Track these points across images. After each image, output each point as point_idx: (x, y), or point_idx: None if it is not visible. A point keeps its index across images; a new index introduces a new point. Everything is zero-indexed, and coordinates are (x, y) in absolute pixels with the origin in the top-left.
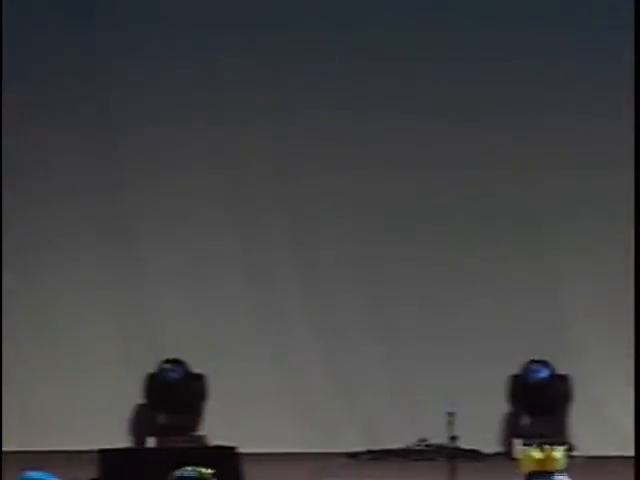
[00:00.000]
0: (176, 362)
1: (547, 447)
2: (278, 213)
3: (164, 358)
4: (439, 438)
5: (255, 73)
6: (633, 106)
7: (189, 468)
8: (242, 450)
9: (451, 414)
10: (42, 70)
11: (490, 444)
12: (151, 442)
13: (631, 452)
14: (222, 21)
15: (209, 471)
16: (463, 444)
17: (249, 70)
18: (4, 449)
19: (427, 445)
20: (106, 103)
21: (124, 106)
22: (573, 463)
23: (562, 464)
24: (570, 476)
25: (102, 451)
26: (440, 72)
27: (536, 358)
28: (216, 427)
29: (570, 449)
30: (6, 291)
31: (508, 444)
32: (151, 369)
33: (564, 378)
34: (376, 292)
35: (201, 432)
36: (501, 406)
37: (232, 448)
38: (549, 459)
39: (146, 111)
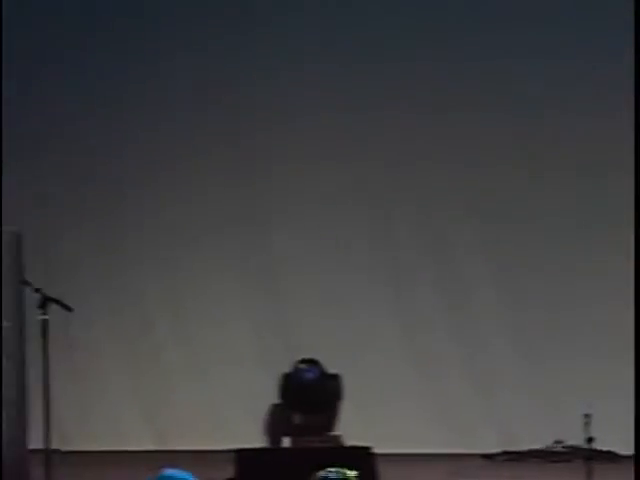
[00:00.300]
0: (312, 362)
1: None
2: (413, 212)
3: (300, 358)
4: (575, 440)
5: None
6: (633, 106)
7: (333, 469)
8: (377, 450)
9: (587, 416)
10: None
11: (627, 446)
12: (286, 442)
13: None
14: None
15: (353, 473)
16: (599, 446)
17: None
18: (142, 448)
19: (563, 447)
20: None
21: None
22: None
23: None
24: None
25: (238, 451)
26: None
27: None
28: (351, 427)
29: None
30: (141, 291)
31: None
32: (287, 369)
33: None
34: (516, 293)
35: (336, 432)
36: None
37: (368, 448)
38: None
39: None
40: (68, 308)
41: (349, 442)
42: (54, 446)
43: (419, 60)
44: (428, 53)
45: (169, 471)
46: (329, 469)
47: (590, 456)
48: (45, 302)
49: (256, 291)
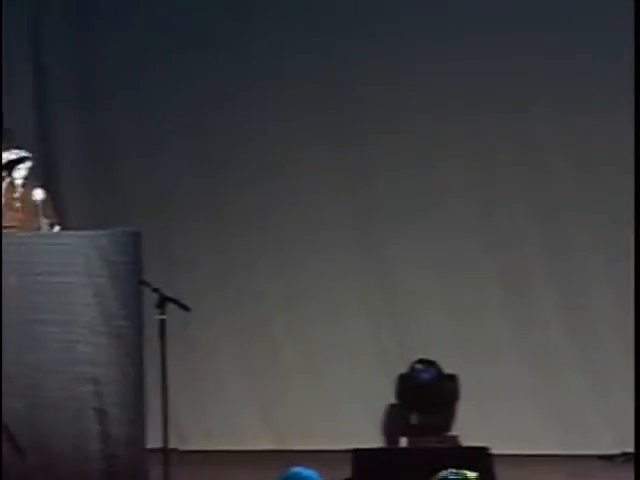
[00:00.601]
0: (428, 362)
1: None
2: (531, 213)
3: (417, 358)
4: None
5: None
6: (633, 106)
7: (453, 470)
8: (494, 451)
9: None
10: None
11: None
12: (403, 442)
13: None
14: None
15: (474, 475)
16: None
17: None
18: (259, 448)
19: None
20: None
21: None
22: None
23: None
24: None
25: (355, 451)
26: None
27: None
28: (468, 427)
29: None
30: (259, 291)
31: None
32: (404, 369)
33: None
34: (632, 291)
35: (453, 432)
36: None
37: (485, 449)
38: None
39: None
40: (186, 308)
41: (466, 442)
42: (172, 445)
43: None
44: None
45: (295, 469)
46: (451, 470)
47: None
48: (163, 302)
49: (373, 291)
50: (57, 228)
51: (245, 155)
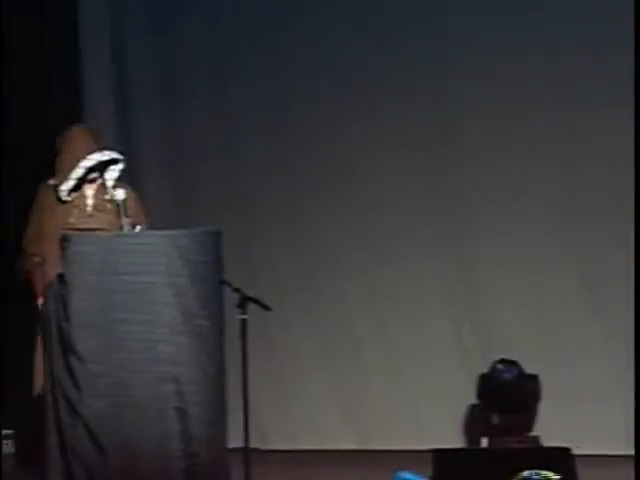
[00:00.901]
0: (510, 363)
1: None
2: (612, 209)
3: (498, 359)
4: None
5: None
6: (633, 106)
7: (536, 471)
8: (576, 452)
9: None
10: None
11: None
12: (484, 442)
13: None
14: None
15: (556, 477)
16: None
17: None
18: (341, 447)
19: None
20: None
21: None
22: None
23: None
24: None
25: (436, 451)
26: None
27: None
28: (549, 428)
29: None
30: (340, 290)
31: None
32: (485, 370)
33: None
34: None
35: (534, 433)
36: None
37: (567, 449)
38: None
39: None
40: (267, 307)
41: (547, 443)
42: (253, 445)
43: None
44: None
45: (402, 474)
46: (533, 471)
47: None
48: (244, 302)
49: (455, 291)
50: (138, 228)
51: (326, 154)
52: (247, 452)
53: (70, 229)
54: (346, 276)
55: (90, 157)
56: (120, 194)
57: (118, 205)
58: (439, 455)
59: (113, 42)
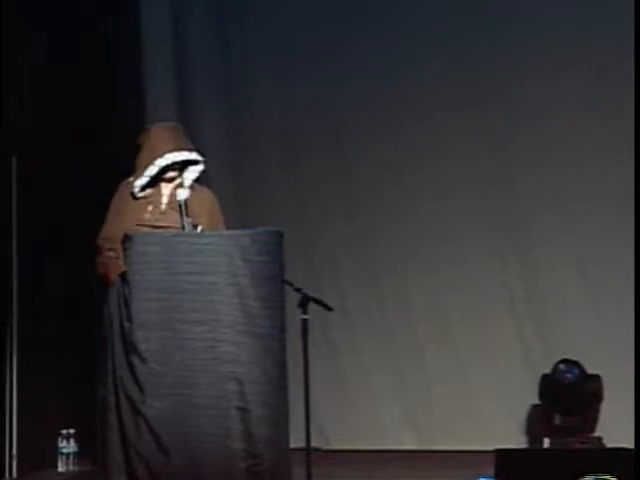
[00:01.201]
0: (572, 363)
1: None
2: None
3: (560, 359)
4: None
5: None
6: (633, 105)
7: (595, 477)
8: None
9: None
10: None
11: None
12: (546, 443)
13: None
14: None
15: None
16: None
17: None
18: (402, 448)
19: None
20: None
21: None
22: None
23: None
24: None
25: (498, 451)
26: None
27: None
28: (612, 428)
29: None
30: (404, 291)
31: None
32: (547, 370)
33: None
34: None
35: (597, 434)
36: None
37: (629, 450)
38: None
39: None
40: (328, 307)
41: (610, 444)
42: (315, 445)
43: None
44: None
45: None
46: (596, 475)
47: None
48: (305, 302)
49: (517, 292)
50: (200, 228)
51: (387, 159)
52: (308, 452)
53: (144, 225)
54: (408, 277)
55: (167, 156)
56: (182, 194)
57: (180, 205)
58: (502, 455)
59: (175, 41)
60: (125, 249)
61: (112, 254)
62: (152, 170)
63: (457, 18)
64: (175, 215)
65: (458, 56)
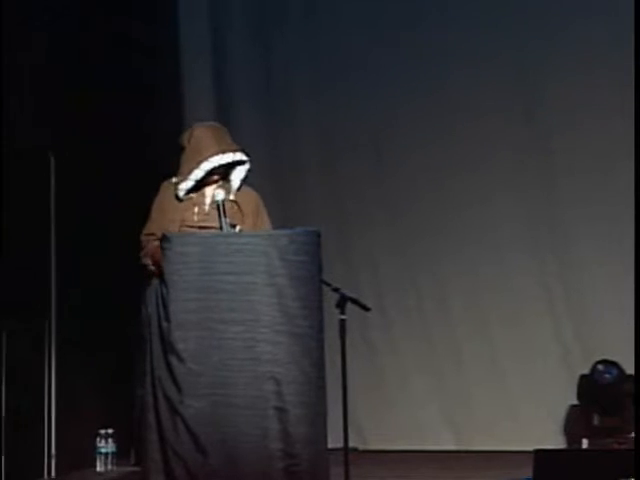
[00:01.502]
0: (610, 363)
1: None
2: None
3: (598, 359)
4: None
5: None
6: (633, 106)
7: None
8: None
9: None
10: None
11: None
12: (585, 443)
13: None
14: None
15: None
16: None
17: None
18: (441, 448)
19: None
20: None
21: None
22: None
23: None
24: None
25: (537, 452)
26: None
27: None
28: None
29: None
30: (441, 290)
31: None
32: (585, 370)
33: None
34: None
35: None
36: None
37: None
38: None
39: None
40: (365, 308)
41: None
42: (353, 445)
43: None
44: None
45: None
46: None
47: None
48: (343, 302)
49: (556, 292)
50: (238, 228)
51: (425, 159)
52: (346, 452)
53: (189, 227)
54: (446, 277)
55: (212, 159)
56: (219, 194)
57: (218, 205)
58: (540, 456)
59: (213, 46)
60: (163, 249)
61: (158, 243)
62: (198, 174)
63: (496, 22)
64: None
65: (498, 60)
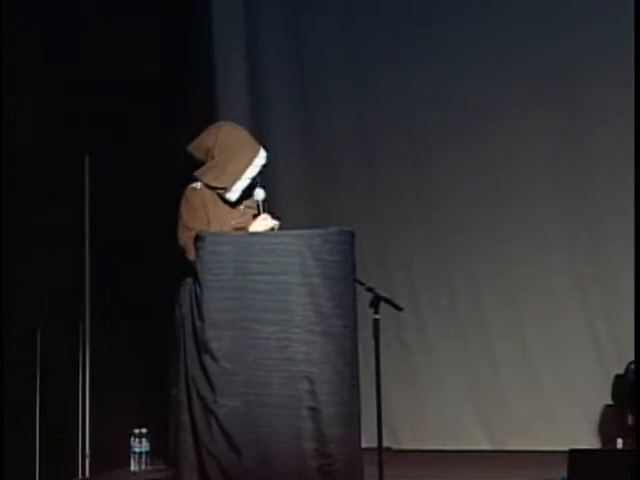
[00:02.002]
0: None
1: None
2: None
3: (632, 359)
4: None
5: None
6: (633, 105)
7: None
8: None
9: None
10: None
11: None
12: (619, 443)
13: None
14: None
15: None
16: None
17: None
18: (475, 448)
19: None
20: None
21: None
22: None
23: None
24: None
25: (571, 452)
26: None
27: None
28: None
29: None
30: (474, 290)
31: None
32: (620, 371)
33: None
34: None
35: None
36: None
37: None
38: None
39: None
40: (398, 307)
41: None
42: (387, 445)
43: None
44: None
45: None
46: None
47: None
48: (377, 301)
49: (590, 292)
50: (276, 226)
51: (463, 155)
52: (380, 452)
53: (236, 229)
54: (480, 276)
55: (255, 162)
56: (260, 193)
57: (258, 205)
58: (574, 456)
59: (247, 38)
60: (197, 249)
61: None
62: (253, 171)
63: (533, 17)
64: (250, 214)
65: (537, 56)
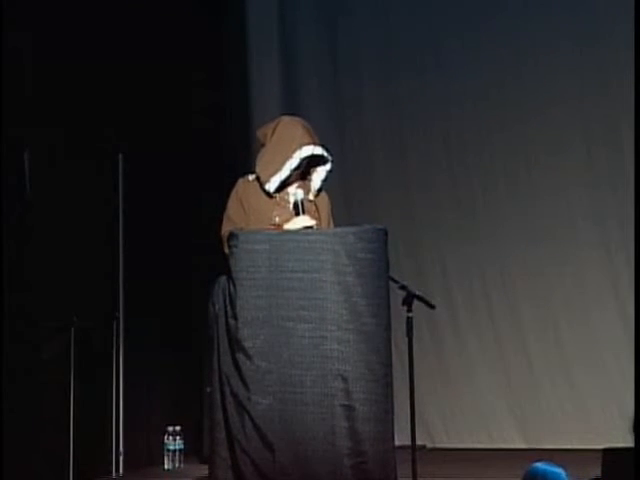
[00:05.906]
0: None
1: None
2: None
3: None
4: None
5: None
6: (633, 105)
7: None
8: None
9: None
10: None
11: None
12: None
13: None
14: None
15: None
16: None
17: None
18: (509, 446)
19: None
20: None
21: None
22: None
23: None
24: None
25: (606, 450)
26: None
27: None
28: None
29: None
30: (509, 289)
31: None
32: None
33: None
34: None
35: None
36: None
37: None
38: None
39: None
40: (431, 305)
41: None
42: (421, 443)
43: None
44: None
45: (538, 465)
46: None
47: None
48: (410, 299)
49: (624, 289)
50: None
51: (499, 152)
52: (414, 450)
53: (276, 226)
54: (514, 275)
55: (305, 148)
56: (299, 193)
57: (297, 204)
58: (609, 454)
59: (281, 33)
60: (230, 247)
61: None
62: (293, 163)
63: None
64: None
65: (572, 53)
